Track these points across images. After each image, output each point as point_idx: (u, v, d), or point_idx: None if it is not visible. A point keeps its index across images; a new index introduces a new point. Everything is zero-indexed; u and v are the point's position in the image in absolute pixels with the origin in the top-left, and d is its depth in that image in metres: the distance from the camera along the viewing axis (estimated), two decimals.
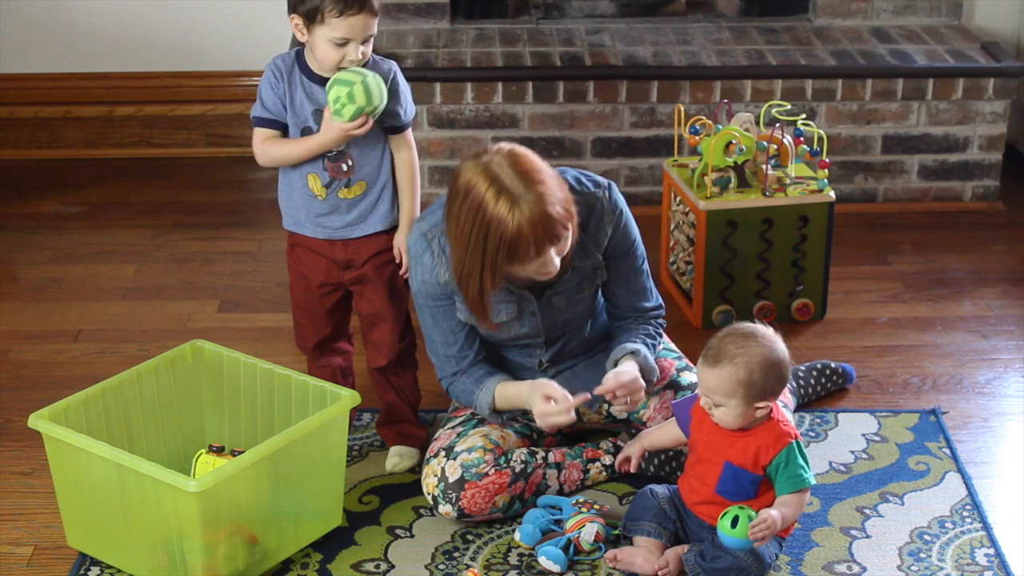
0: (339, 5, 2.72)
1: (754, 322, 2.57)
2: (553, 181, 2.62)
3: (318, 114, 2.83)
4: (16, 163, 4.63)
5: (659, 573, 2.66)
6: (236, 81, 4.66)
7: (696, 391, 2.73)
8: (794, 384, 3.21)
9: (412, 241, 2.80)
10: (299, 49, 2.85)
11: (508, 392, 2.83)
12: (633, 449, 2.85)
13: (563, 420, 2.72)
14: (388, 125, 2.90)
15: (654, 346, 2.93)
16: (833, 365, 3.30)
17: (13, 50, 4.61)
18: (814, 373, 3.26)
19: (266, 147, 2.89)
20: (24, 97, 4.63)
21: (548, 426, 2.75)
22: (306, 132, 2.85)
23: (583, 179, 2.80)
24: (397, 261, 2.92)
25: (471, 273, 2.64)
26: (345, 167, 2.87)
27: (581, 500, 2.82)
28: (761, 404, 2.62)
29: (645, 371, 2.84)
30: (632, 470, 2.86)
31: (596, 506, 2.80)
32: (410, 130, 2.96)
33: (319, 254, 2.95)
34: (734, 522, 2.58)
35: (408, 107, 2.92)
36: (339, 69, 2.77)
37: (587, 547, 2.74)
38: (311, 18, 2.74)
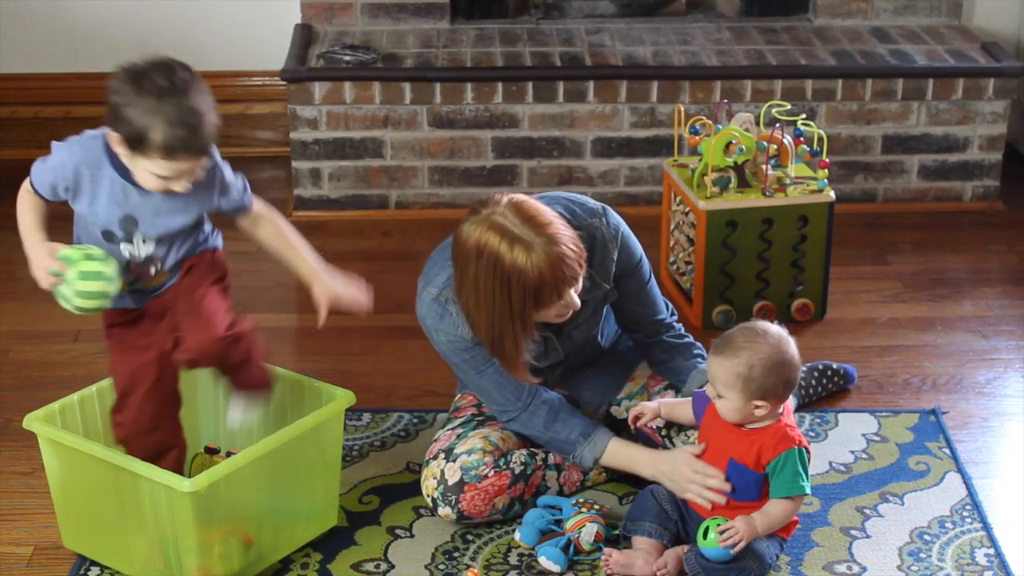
0: (166, 149, 2.39)
1: (790, 319, 2.56)
2: (559, 221, 2.60)
3: (127, 221, 2.54)
4: (16, 163, 4.60)
5: (657, 574, 2.66)
6: (236, 81, 4.66)
7: None
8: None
9: (425, 310, 2.76)
10: (105, 140, 2.50)
11: (622, 454, 2.82)
12: (649, 406, 2.82)
13: (716, 487, 2.68)
14: (231, 214, 2.66)
15: (703, 357, 2.94)
16: (835, 366, 3.30)
17: (13, 50, 4.61)
18: (815, 374, 3.26)
19: (23, 201, 2.62)
20: (24, 97, 4.63)
21: (703, 500, 2.68)
22: (108, 236, 2.56)
23: (577, 210, 2.74)
24: (350, 302, 2.73)
25: (503, 332, 2.61)
26: (153, 270, 2.61)
27: (581, 500, 2.82)
28: (760, 403, 2.62)
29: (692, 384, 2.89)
30: (640, 424, 2.82)
31: (596, 506, 2.80)
32: (254, 201, 2.69)
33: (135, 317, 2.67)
34: (706, 533, 2.59)
35: (237, 189, 2.64)
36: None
37: (587, 547, 2.74)
38: (133, 146, 2.41)
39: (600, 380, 2.98)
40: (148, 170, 2.45)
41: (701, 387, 2.80)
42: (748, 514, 2.63)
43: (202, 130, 2.45)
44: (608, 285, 2.81)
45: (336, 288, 2.71)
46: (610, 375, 3.01)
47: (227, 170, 2.62)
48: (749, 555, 2.63)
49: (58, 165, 2.53)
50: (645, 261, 2.89)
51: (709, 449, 2.70)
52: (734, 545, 2.59)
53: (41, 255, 2.56)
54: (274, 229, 2.71)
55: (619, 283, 2.85)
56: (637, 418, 2.83)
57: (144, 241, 2.59)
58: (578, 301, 2.64)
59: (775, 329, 2.67)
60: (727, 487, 2.66)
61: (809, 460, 2.68)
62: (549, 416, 2.82)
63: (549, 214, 2.59)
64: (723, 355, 2.62)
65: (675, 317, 2.99)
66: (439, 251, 2.81)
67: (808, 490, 2.66)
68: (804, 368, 3.26)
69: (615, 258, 2.80)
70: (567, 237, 2.58)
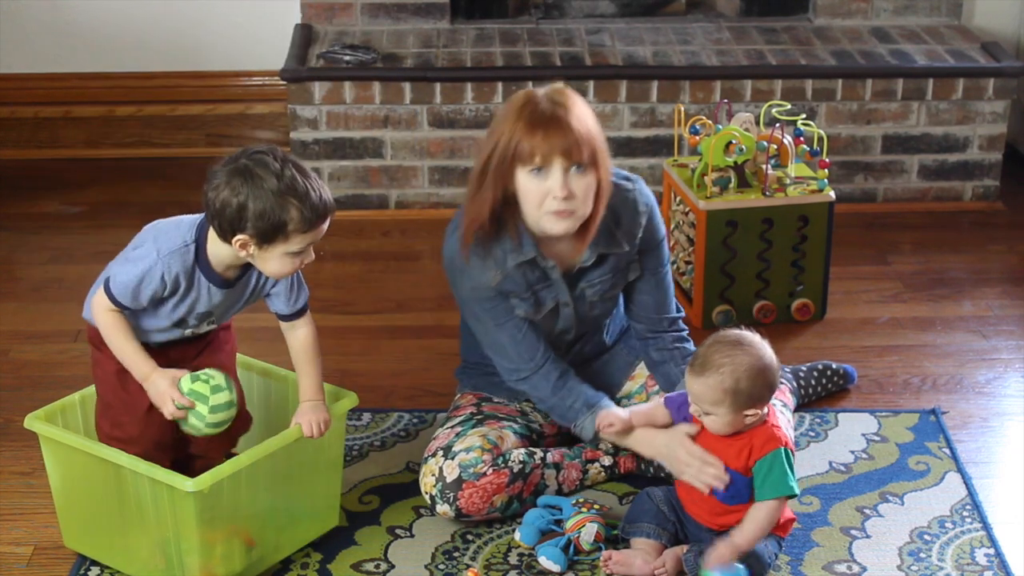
0: (308, 220, 2.44)
1: (754, 322, 2.56)
2: (586, 109, 2.64)
3: (204, 315, 2.58)
4: (16, 163, 4.63)
5: (655, 573, 2.66)
6: (236, 81, 4.66)
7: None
8: (795, 384, 3.21)
9: (452, 251, 2.76)
10: (195, 245, 2.51)
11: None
12: (620, 416, 2.78)
13: (714, 475, 2.66)
14: (287, 313, 2.69)
15: (676, 363, 2.93)
16: (834, 366, 3.30)
17: (13, 50, 4.61)
18: (815, 374, 3.26)
19: (108, 321, 2.53)
20: (24, 97, 4.63)
21: (700, 483, 2.67)
22: (179, 323, 2.57)
23: (613, 168, 2.76)
24: (308, 435, 2.63)
25: (480, 176, 2.65)
26: (206, 326, 2.64)
27: (581, 500, 2.82)
28: (750, 412, 2.62)
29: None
30: (609, 432, 2.79)
31: (596, 506, 2.80)
32: (308, 311, 2.73)
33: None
34: None
35: (305, 293, 2.71)
36: None
37: (587, 547, 2.74)
38: (270, 239, 2.43)
39: (600, 379, 2.98)
40: (284, 252, 2.47)
41: (672, 392, 2.80)
42: (739, 519, 2.63)
43: (323, 189, 2.48)
44: (628, 247, 2.80)
45: (304, 420, 2.65)
46: (611, 373, 3.02)
47: (300, 273, 2.66)
48: (747, 556, 2.63)
49: (153, 279, 2.49)
50: (666, 246, 2.90)
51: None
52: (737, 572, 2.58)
53: (163, 389, 2.54)
54: (303, 342, 2.72)
55: (643, 258, 2.86)
56: (610, 425, 2.82)
57: (209, 324, 2.64)
58: (562, 191, 2.61)
59: (747, 336, 2.64)
60: (725, 478, 2.64)
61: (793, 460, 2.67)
62: (559, 381, 2.83)
63: (580, 101, 2.65)
64: (705, 375, 2.59)
65: (683, 316, 2.98)
66: None
67: (797, 490, 2.65)
68: (804, 368, 3.26)
69: (643, 224, 2.81)
70: (585, 114, 2.63)
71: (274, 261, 2.49)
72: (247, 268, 2.58)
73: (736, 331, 2.65)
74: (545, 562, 2.70)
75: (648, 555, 2.68)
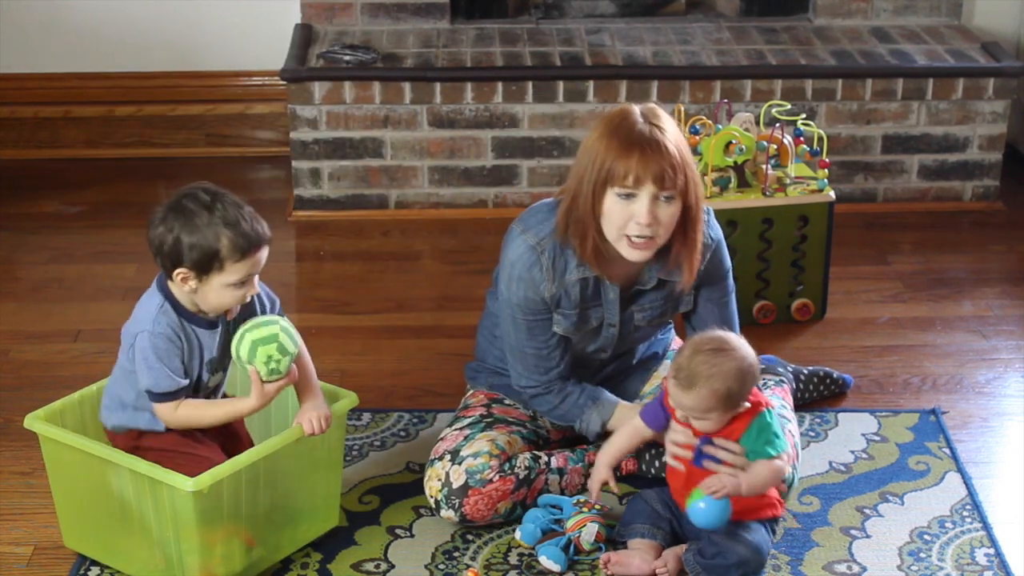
0: (240, 248, 2.49)
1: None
2: (679, 134, 2.63)
3: (212, 363, 2.62)
4: (16, 163, 4.63)
5: (657, 572, 2.66)
6: (236, 81, 4.66)
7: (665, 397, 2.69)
8: (794, 385, 3.21)
9: (517, 255, 2.74)
10: (166, 300, 2.57)
11: (626, 417, 2.82)
12: (603, 474, 2.77)
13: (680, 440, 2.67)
14: None
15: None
16: (835, 375, 3.30)
17: (13, 50, 4.61)
18: (815, 379, 3.26)
19: (185, 413, 2.58)
20: (24, 97, 4.63)
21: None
22: (198, 385, 2.62)
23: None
24: (309, 431, 2.63)
25: (579, 185, 2.64)
26: (216, 379, 2.68)
27: (582, 500, 2.81)
28: (740, 408, 2.63)
29: None
30: (612, 487, 2.79)
31: (597, 506, 2.80)
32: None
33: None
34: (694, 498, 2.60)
35: (273, 310, 2.72)
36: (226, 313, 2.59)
37: (587, 547, 2.74)
38: (205, 269, 2.49)
39: (618, 391, 2.97)
40: (223, 284, 2.52)
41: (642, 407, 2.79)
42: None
43: (256, 220, 2.56)
44: (687, 276, 2.77)
45: (304, 418, 2.66)
46: (630, 379, 3.03)
47: (264, 287, 2.70)
48: (744, 545, 2.63)
49: (164, 347, 2.55)
50: (731, 278, 2.89)
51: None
52: (725, 507, 2.56)
53: (266, 393, 2.59)
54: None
55: (701, 292, 2.85)
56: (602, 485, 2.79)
57: (218, 375, 2.68)
58: (648, 217, 2.59)
59: (723, 339, 2.62)
60: (692, 440, 2.63)
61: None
62: (568, 400, 2.85)
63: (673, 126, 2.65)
64: (694, 388, 2.57)
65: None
66: (545, 203, 2.79)
67: (786, 447, 2.65)
68: (805, 371, 3.25)
69: (707, 257, 2.80)
70: (675, 139, 2.61)
71: (214, 293, 2.53)
72: None
73: (711, 335, 2.63)
74: (545, 562, 2.70)
75: (646, 555, 2.68)
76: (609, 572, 2.69)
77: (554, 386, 2.85)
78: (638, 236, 2.63)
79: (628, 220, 2.62)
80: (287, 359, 2.57)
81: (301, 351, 2.67)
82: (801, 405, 3.23)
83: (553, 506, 2.83)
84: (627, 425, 2.78)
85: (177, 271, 2.52)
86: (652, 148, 2.58)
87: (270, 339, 2.54)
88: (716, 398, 2.57)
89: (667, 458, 2.71)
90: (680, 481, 2.69)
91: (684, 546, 2.69)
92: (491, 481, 2.77)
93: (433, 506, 2.81)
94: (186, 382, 2.58)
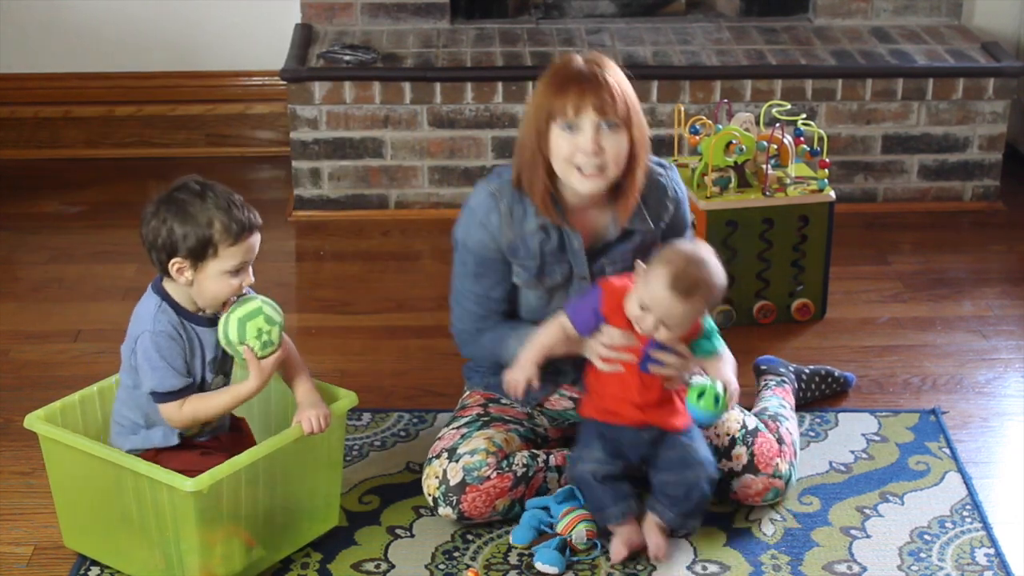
0: (233, 232, 2.52)
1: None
2: (621, 74, 2.69)
3: (214, 363, 2.63)
4: (16, 163, 4.63)
5: (652, 558, 2.71)
6: (236, 81, 4.66)
7: (639, 311, 2.66)
8: (796, 385, 3.21)
9: (477, 201, 2.78)
10: (163, 300, 2.59)
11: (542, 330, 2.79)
12: (528, 371, 2.73)
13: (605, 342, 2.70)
14: None
15: None
16: (836, 373, 3.30)
17: (13, 50, 4.61)
18: (816, 379, 3.26)
19: (190, 409, 2.59)
20: (24, 97, 4.63)
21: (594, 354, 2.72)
22: (202, 386, 2.62)
23: (649, 155, 2.82)
24: (308, 431, 2.63)
25: (527, 131, 2.70)
26: (220, 380, 2.69)
27: None
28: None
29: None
30: (519, 392, 2.76)
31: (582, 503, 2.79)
32: None
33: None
34: (701, 395, 2.64)
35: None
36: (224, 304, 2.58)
37: (581, 547, 2.74)
38: (200, 256, 2.51)
39: None
40: (219, 271, 2.53)
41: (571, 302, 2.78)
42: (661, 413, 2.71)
43: (247, 207, 2.58)
44: (653, 226, 2.81)
45: (303, 417, 2.66)
46: None
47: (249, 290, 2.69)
48: (698, 465, 2.70)
49: (166, 344, 2.56)
50: (692, 235, 2.93)
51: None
52: (720, 409, 2.64)
53: (264, 373, 2.59)
54: (287, 350, 2.71)
55: (667, 239, 2.87)
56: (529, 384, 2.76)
57: (221, 375, 2.68)
58: (592, 145, 2.63)
59: (703, 247, 2.68)
60: (636, 343, 2.66)
61: None
62: (489, 335, 2.85)
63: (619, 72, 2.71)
64: (695, 296, 2.60)
65: None
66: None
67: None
68: (807, 371, 3.26)
69: (671, 210, 2.84)
70: (618, 79, 2.67)
71: (210, 282, 2.55)
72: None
73: (689, 247, 2.67)
74: (543, 567, 2.70)
75: (630, 533, 2.72)
76: (613, 563, 2.71)
77: (488, 328, 2.85)
78: (587, 165, 2.66)
79: (574, 151, 2.66)
80: (276, 328, 2.57)
81: (293, 358, 2.68)
82: (803, 404, 3.23)
83: (542, 508, 2.82)
84: (551, 322, 2.74)
85: (173, 261, 2.53)
86: (590, 80, 2.65)
87: (255, 313, 2.55)
88: (708, 305, 2.63)
89: (598, 363, 2.70)
90: (620, 386, 2.70)
91: (650, 515, 2.73)
92: (488, 478, 2.78)
93: (431, 504, 2.81)
94: (190, 380, 2.58)
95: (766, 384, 3.16)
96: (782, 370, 3.21)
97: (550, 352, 2.75)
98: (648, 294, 2.62)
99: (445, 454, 2.81)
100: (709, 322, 2.73)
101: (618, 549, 2.72)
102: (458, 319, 2.89)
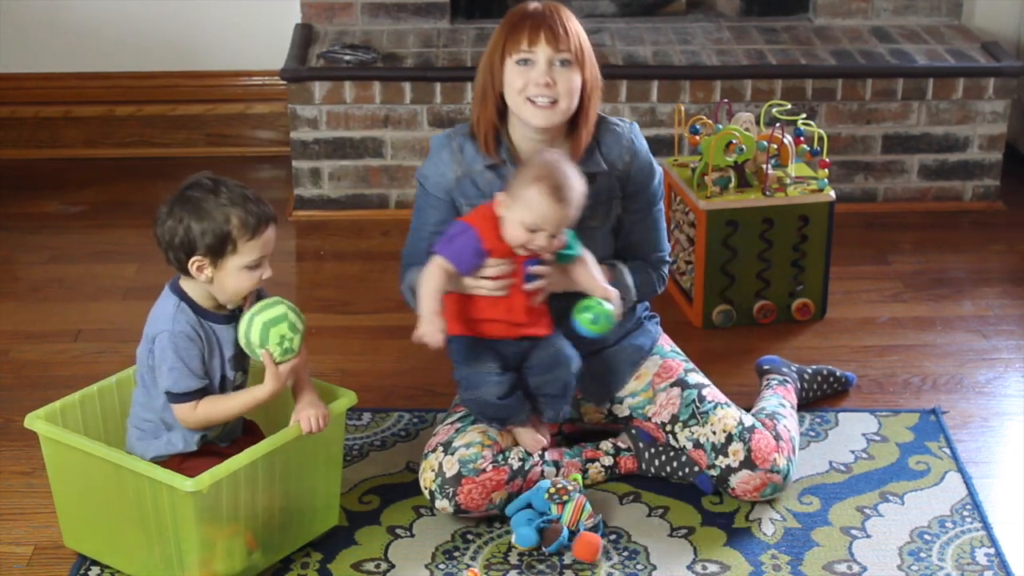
0: (250, 226, 2.51)
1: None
2: (576, 21, 2.78)
3: (233, 360, 2.62)
4: (16, 163, 4.64)
5: (545, 446, 2.87)
6: (236, 81, 4.66)
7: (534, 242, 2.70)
8: (799, 384, 3.21)
9: (434, 141, 2.89)
10: (181, 300, 2.58)
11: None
12: (436, 323, 2.70)
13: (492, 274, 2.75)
14: None
15: (647, 273, 2.96)
16: (838, 372, 3.31)
17: (13, 50, 4.61)
18: (819, 378, 3.27)
19: (204, 411, 2.58)
20: (24, 97, 4.63)
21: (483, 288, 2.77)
22: (223, 384, 2.62)
23: (607, 111, 2.92)
24: (307, 430, 2.63)
25: (482, 72, 2.78)
26: (240, 376, 2.69)
27: (552, 491, 2.78)
28: None
29: (618, 283, 2.89)
30: (438, 342, 2.74)
31: (569, 487, 2.79)
32: None
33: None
34: (587, 310, 2.74)
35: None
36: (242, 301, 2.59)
37: (588, 526, 2.76)
38: (219, 252, 2.51)
39: (605, 378, 2.97)
40: (239, 266, 2.53)
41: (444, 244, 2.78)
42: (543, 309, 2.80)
43: (260, 200, 2.57)
44: (608, 169, 2.85)
45: (302, 416, 2.67)
46: (616, 371, 3.00)
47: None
48: (566, 360, 2.81)
49: (185, 345, 2.55)
50: (661, 190, 2.95)
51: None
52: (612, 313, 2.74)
53: (279, 378, 2.58)
54: None
55: (632, 199, 2.90)
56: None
57: (242, 373, 2.69)
58: (546, 79, 2.70)
59: (550, 152, 2.75)
60: (513, 266, 2.72)
61: None
62: (416, 273, 2.87)
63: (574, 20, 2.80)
64: (571, 196, 2.67)
65: (668, 256, 3.00)
66: None
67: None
68: (809, 370, 3.26)
69: (627, 160, 2.87)
70: (567, 14, 2.76)
71: (231, 278, 2.54)
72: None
73: (538, 158, 2.71)
74: (518, 542, 2.76)
75: (533, 426, 2.85)
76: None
77: (414, 267, 2.89)
78: (539, 97, 2.72)
79: (527, 83, 2.73)
80: (298, 337, 2.57)
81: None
82: (805, 404, 3.23)
83: (528, 506, 2.81)
84: (432, 268, 2.72)
85: (192, 260, 2.52)
86: (544, 17, 2.74)
87: (280, 319, 2.55)
88: (582, 201, 2.71)
89: (493, 293, 2.74)
90: (506, 309, 2.75)
91: (536, 420, 2.87)
92: (484, 471, 2.78)
93: (428, 497, 2.81)
94: (206, 382, 2.58)
95: (768, 383, 3.17)
96: (784, 370, 3.21)
97: (442, 296, 2.75)
98: (533, 214, 2.66)
99: (440, 448, 2.82)
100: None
101: (533, 443, 2.85)
102: (406, 248, 2.95)
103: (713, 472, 2.87)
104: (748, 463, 2.84)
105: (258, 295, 2.64)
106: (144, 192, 4.44)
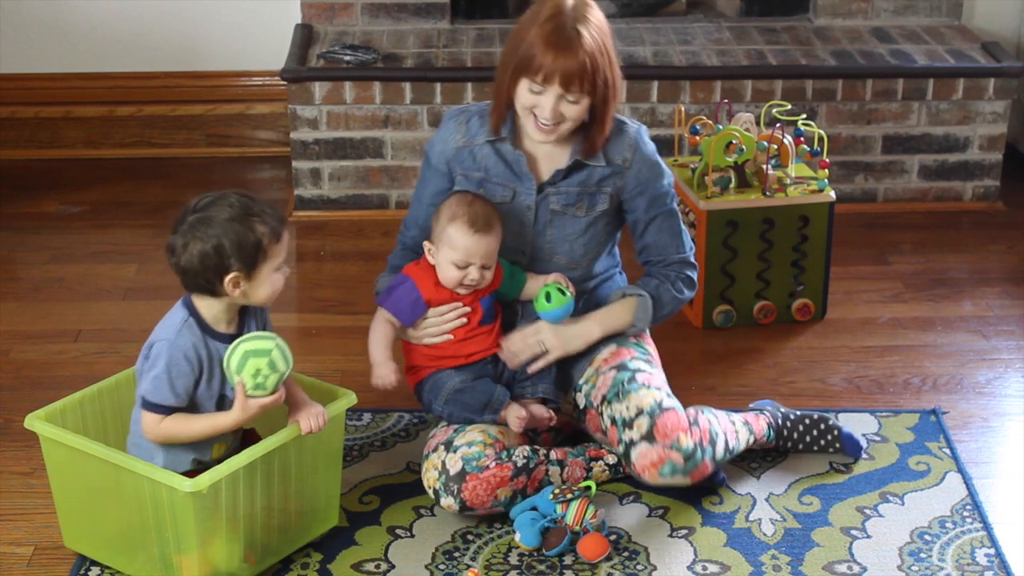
0: (275, 230, 2.54)
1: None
2: (601, 37, 2.79)
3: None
4: (16, 163, 4.64)
5: (551, 419, 2.91)
6: (236, 81, 4.66)
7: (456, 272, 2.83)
8: (779, 423, 3.05)
9: (446, 113, 2.99)
10: (191, 315, 2.58)
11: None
12: (388, 369, 2.89)
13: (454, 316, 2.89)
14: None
15: (669, 288, 2.97)
16: (830, 422, 3.04)
17: (13, 50, 4.61)
18: (806, 421, 3.05)
19: (168, 427, 2.55)
20: (24, 97, 4.63)
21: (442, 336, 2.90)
22: (221, 402, 2.60)
23: (619, 95, 2.92)
24: (306, 430, 2.64)
25: (503, 62, 2.83)
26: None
27: (557, 491, 2.79)
28: None
29: (639, 314, 2.94)
30: (393, 382, 2.89)
31: (575, 489, 2.79)
32: None
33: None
34: (548, 297, 2.86)
35: (266, 316, 2.73)
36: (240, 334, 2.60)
37: (593, 527, 2.76)
38: (253, 263, 2.51)
39: (561, 371, 2.98)
40: (270, 271, 2.55)
41: (386, 296, 2.93)
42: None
43: (267, 203, 2.59)
44: (603, 163, 2.88)
45: (301, 416, 2.68)
46: (571, 364, 3.00)
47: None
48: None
49: (178, 364, 2.54)
50: (673, 192, 2.96)
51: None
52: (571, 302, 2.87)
53: (250, 407, 2.56)
54: None
55: (636, 199, 2.92)
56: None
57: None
58: (551, 113, 2.75)
59: (458, 193, 2.87)
60: (466, 310, 2.87)
61: None
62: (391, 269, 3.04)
63: (604, 26, 2.84)
64: (493, 228, 2.80)
65: (691, 258, 3.00)
66: None
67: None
68: (795, 413, 3.07)
69: (628, 157, 2.89)
70: (591, 44, 2.75)
71: (265, 284, 2.56)
72: (241, 318, 2.63)
73: (453, 196, 2.85)
74: (520, 541, 2.76)
75: (516, 409, 2.86)
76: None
77: (398, 250, 3.04)
78: (543, 120, 2.79)
79: (535, 105, 2.79)
80: (275, 376, 2.55)
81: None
82: (788, 450, 3.05)
83: (532, 508, 2.81)
84: (378, 322, 2.92)
85: (228, 277, 2.51)
86: (567, 53, 2.73)
87: (262, 352, 2.53)
88: (501, 228, 2.83)
89: (438, 339, 2.88)
90: (477, 344, 2.89)
91: (527, 399, 2.91)
92: (488, 467, 2.78)
93: (432, 496, 2.81)
94: (182, 404, 2.56)
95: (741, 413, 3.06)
96: (768, 408, 3.08)
97: (391, 344, 2.91)
98: (458, 251, 2.80)
99: (441, 447, 2.82)
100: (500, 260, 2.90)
101: (517, 420, 2.84)
102: (406, 216, 3.04)
103: (620, 448, 2.82)
104: (649, 436, 2.76)
105: (264, 324, 2.65)
106: (144, 192, 4.44)
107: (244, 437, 2.75)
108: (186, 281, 2.55)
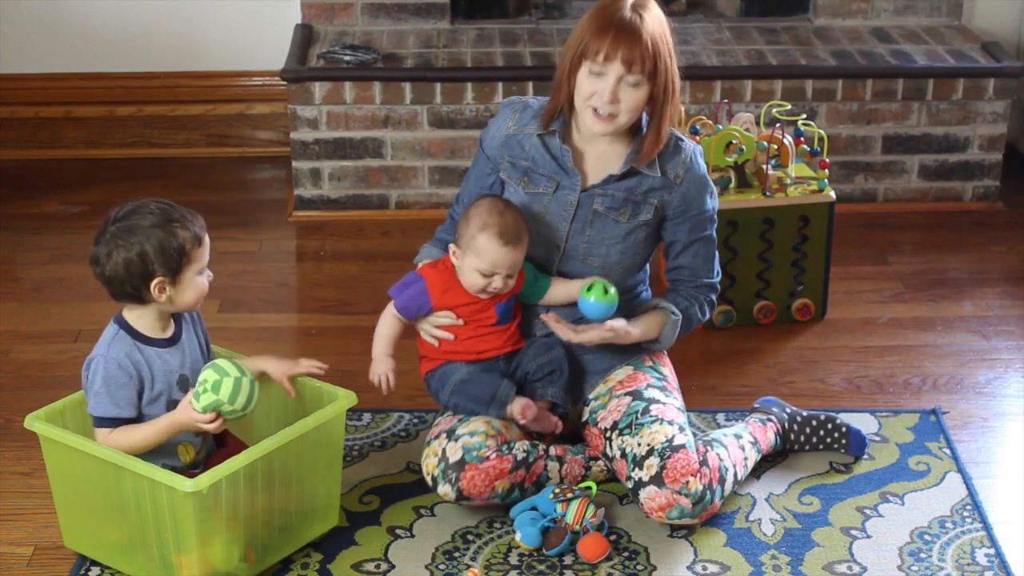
0: (195, 236, 2.57)
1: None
2: (661, 27, 2.77)
3: (183, 382, 2.64)
4: (16, 163, 4.64)
5: (557, 428, 2.90)
6: (236, 81, 4.66)
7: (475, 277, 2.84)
8: (785, 427, 3.06)
9: (505, 101, 3.00)
10: (121, 328, 2.61)
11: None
12: (387, 364, 2.95)
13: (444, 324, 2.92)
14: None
15: (696, 312, 2.97)
16: (837, 421, 3.07)
17: (13, 50, 4.61)
18: (813, 423, 3.08)
19: (116, 439, 2.58)
20: (24, 97, 4.63)
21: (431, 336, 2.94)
22: (172, 406, 2.61)
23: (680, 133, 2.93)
24: (306, 370, 2.77)
25: (564, 55, 2.82)
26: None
27: (557, 491, 2.79)
28: None
29: (667, 331, 2.93)
30: (389, 380, 2.93)
31: (576, 488, 2.79)
32: None
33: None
34: (593, 289, 2.83)
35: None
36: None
37: (593, 526, 2.75)
38: (178, 268, 2.55)
39: (579, 368, 2.97)
40: (194, 274, 2.58)
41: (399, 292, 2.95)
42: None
43: (185, 209, 2.63)
44: (658, 175, 2.86)
45: (285, 367, 2.75)
46: (589, 368, 3.00)
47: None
48: (558, 345, 2.91)
49: (115, 377, 2.57)
50: (715, 217, 2.96)
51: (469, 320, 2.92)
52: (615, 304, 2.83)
53: (189, 419, 2.57)
54: None
55: (680, 216, 2.91)
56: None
57: (186, 391, 2.67)
58: (609, 104, 2.74)
59: (492, 199, 2.87)
60: (458, 321, 2.89)
61: None
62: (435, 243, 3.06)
63: (664, 24, 2.81)
64: (521, 240, 2.81)
65: (717, 283, 3.00)
66: None
67: None
68: (803, 413, 3.09)
69: (680, 173, 2.87)
70: (653, 29, 2.74)
71: (190, 288, 2.59)
72: (178, 324, 2.67)
73: (484, 203, 2.84)
74: (521, 541, 2.76)
75: (523, 403, 2.85)
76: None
77: (448, 223, 3.05)
78: (602, 108, 2.77)
79: (593, 93, 2.77)
80: (211, 398, 2.52)
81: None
82: (795, 450, 3.06)
83: (532, 508, 2.81)
84: (386, 315, 2.95)
85: (153, 283, 2.55)
86: (627, 33, 2.72)
87: (222, 372, 2.53)
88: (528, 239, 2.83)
89: (430, 340, 2.93)
90: (494, 342, 2.90)
91: (539, 401, 2.89)
92: (488, 459, 2.78)
93: (430, 483, 2.80)
94: (128, 414, 2.58)
95: (746, 419, 3.06)
96: (774, 410, 3.08)
97: (395, 339, 2.94)
98: (484, 260, 2.80)
99: (444, 435, 2.82)
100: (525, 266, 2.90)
101: (524, 410, 2.83)
102: (458, 195, 3.06)
103: (628, 484, 2.81)
104: (658, 479, 2.75)
105: (200, 329, 2.71)
106: (144, 192, 4.40)
107: (221, 441, 2.76)
108: (113, 290, 2.58)
